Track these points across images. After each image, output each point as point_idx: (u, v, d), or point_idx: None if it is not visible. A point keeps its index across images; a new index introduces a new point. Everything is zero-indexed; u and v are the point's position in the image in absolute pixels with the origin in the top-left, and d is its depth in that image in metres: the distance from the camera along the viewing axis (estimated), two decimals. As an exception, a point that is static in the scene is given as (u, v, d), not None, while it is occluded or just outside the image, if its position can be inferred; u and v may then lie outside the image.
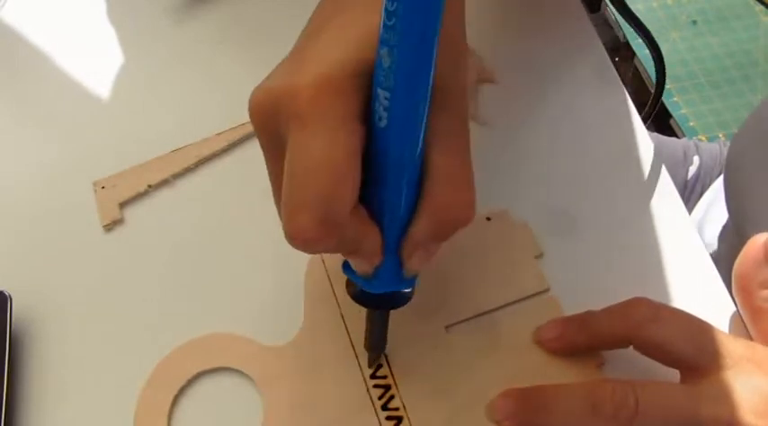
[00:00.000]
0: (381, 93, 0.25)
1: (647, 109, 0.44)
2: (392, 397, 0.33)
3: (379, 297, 0.30)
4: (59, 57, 0.48)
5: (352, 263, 0.29)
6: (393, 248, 0.28)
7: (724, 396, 0.29)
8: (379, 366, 0.34)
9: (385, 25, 0.23)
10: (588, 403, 0.30)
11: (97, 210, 0.41)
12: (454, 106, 0.27)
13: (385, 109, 0.25)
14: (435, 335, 0.35)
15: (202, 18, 0.50)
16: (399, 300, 0.31)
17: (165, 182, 0.42)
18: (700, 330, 0.31)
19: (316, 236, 0.25)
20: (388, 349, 0.35)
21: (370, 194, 0.27)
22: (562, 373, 0.34)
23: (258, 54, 0.48)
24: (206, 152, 0.42)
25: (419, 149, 0.26)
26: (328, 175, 0.25)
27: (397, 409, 0.33)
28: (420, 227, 0.27)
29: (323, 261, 0.37)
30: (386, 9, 0.23)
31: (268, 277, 0.38)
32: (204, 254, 0.39)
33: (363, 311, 0.33)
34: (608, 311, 0.33)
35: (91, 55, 0.48)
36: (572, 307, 0.35)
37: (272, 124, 0.27)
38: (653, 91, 0.46)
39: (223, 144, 0.43)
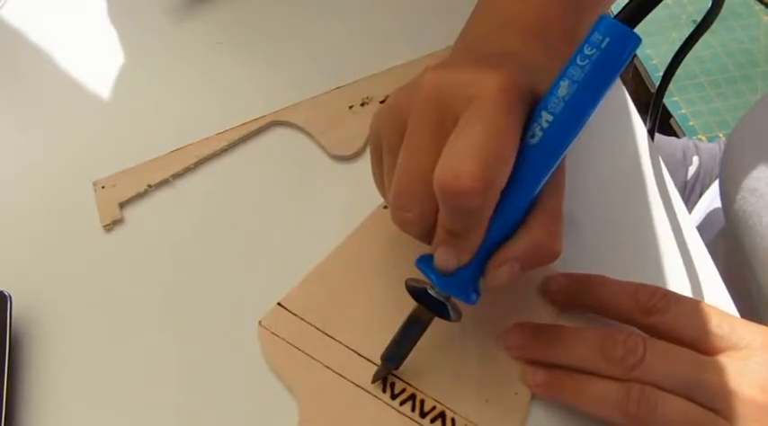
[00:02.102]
0: (544, 115, 0.29)
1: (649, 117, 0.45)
2: (423, 402, 0.34)
3: (432, 302, 0.32)
4: (59, 57, 0.48)
5: (440, 253, 0.30)
6: (480, 259, 0.31)
7: (733, 368, 0.30)
8: (392, 384, 0.34)
9: (575, 63, 0.28)
10: (600, 344, 0.31)
11: (97, 210, 0.41)
12: (563, 167, 0.31)
13: (541, 129, 0.29)
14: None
15: (202, 18, 0.50)
16: (448, 312, 0.32)
17: (165, 182, 0.42)
18: (710, 317, 0.32)
19: (469, 186, 0.27)
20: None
21: None
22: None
23: (258, 54, 0.48)
24: (206, 152, 0.42)
25: (549, 175, 0.30)
26: (501, 146, 0.28)
27: (434, 408, 0.33)
28: (517, 245, 0.30)
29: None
30: (582, 52, 0.28)
31: (268, 276, 0.38)
32: (204, 254, 0.39)
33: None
34: (620, 286, 0.34)
35: (91, 55, 0.48)
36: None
37: (445, 103, 0.29)
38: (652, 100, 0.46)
39: (223, 144, 0.43)
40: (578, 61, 0.28)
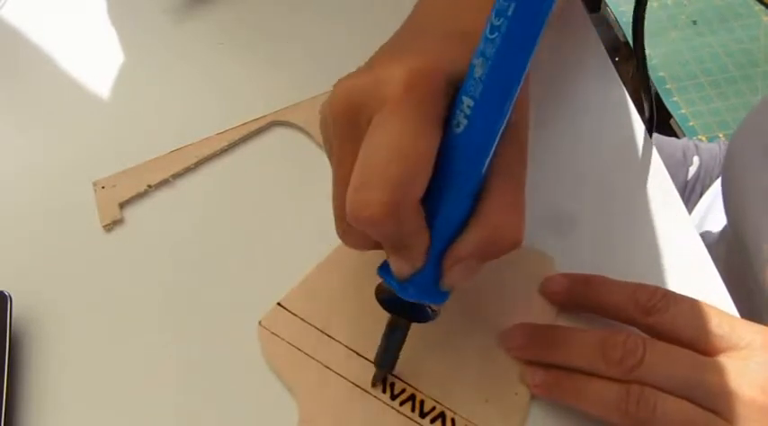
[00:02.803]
0: (466, 101, 0.26)
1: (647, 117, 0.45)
2: (422, 402, 0.34)
3: (405, 305, 0.30)
4: (59, 57, 0.48)
5: (393, 262, 0.29)
6: (435, 258, 0.28)
7: (733, 369, 0.30)
8: (392, 384, 0.34)
9: (486, 38, 0.25)
10: (600, 345, 0.31)
11: (97, 210, 0.41)
12: (520, 140, 0.28)
13: (465, 116, 0.26)
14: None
15: (202, 18, 0.50)
16: (424, 314, 0.31)
17: (165, 182, 0.42)
18: (710, 317, 0.32)
19: (378, 215, 0.26)
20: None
21: (429, 200, 0.27)
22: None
23: (258, 54, 0.48)
24: (206, 152, 0.42)
25: (485, 164, 0.27)
26: (408, 162, 0.25)
27: (433, 408, 0.33)
28: (468, 242, 0.28)
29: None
30: (491, 23, 0.24)
31: (268, 276, 0.38)
32: (204, 254, 0.39)
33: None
34: (620, 286, 0.34)
35: (91, 55, 0.48)
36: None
37: (355, 110, 0.27)
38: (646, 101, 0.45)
39: (223, 144, 0.43)
40: (488, 34, 0.25)
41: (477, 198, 0.28)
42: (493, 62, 0.25)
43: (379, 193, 0.25)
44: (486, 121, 0.26)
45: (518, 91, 0.26)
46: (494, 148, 0.27)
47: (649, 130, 0.43)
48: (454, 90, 0.27)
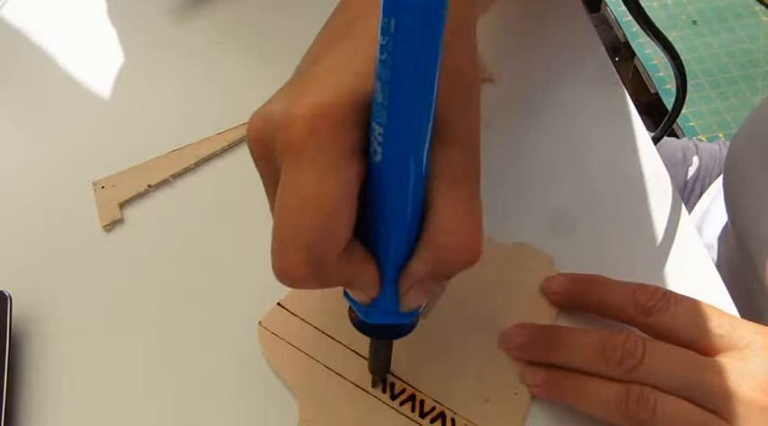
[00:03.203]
0: (376, 128, 0.23)
1: (663, 124, 0.45)
2: (422, 402, 0.34)
3: (379, 326, 0.29)
4: (59, 56, 0.48)
5: (350, 293, 0.28)
6: (393, 282, 0.27)
7: (733, 369, 0.30)
8: (392, 384, 0.34)
9: (378, 60, 0.22)
10: (600, 346, 0.31)
11: (97, 210, 0.41)
12: (461, 142, 0.25)
13: (379, 144, 0.23)
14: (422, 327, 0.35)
15: (202, 18, 0.50)
16: (399, 331, 0.30)
17: (164, 182, 0.42)
18: (710, 317, 0.32)
19: (302, 275, 0.24)
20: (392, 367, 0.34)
21: (370, 228, 0.26)
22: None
23: (258, 54, 0.48)
24: (206, 152, 0.42)
25: (414, 185, 0.24)
26: (318, 214, 0.23)
27: (433, 409, 0.33)
28: (417, 265, 0.26)
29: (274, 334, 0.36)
30: (379, 43, 0.21)
31: (268, 276, 0.38)
32: (204, 254, 0.39)
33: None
34: (620, 286, 0.34)
35: (91, 54, 0.48)
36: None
37: (268, 152, 0.25)
38: (670, 109, 0.45)
39: (223, 144, 0.43)
40: (380, 56, 0.22)
41: (424, 214, 0.25)
42: (390, 86, 0.22)
43: (297, 255, 0.24)
44: (400, 148, 0.23)
45: (432, 111, 0.23)
46: (423, 169, 0.24)
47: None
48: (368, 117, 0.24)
